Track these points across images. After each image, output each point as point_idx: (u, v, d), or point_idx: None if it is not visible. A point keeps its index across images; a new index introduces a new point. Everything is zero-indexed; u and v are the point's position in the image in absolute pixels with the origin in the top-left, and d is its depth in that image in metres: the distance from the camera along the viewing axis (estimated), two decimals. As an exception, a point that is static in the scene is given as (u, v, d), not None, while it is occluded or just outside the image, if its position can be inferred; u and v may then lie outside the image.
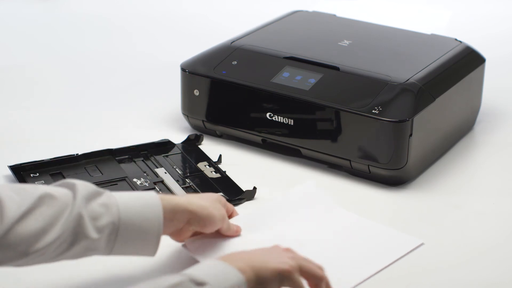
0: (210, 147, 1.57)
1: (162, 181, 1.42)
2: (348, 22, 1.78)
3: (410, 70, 1.51)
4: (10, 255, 1.02)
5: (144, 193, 1.12)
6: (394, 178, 1.46)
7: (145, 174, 1.45)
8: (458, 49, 1.62)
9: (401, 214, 1.40)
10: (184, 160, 1.51)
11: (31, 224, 1.03)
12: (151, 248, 1.11)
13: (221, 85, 1.56)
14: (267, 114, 1.51)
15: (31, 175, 1.42)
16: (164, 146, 1.53)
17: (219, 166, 1.49)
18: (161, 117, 1.69)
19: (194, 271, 1.00)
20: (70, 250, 1.06)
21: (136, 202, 1.10)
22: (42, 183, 1.39)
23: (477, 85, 1.64)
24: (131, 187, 1.40)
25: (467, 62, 1.61)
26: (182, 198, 1.16)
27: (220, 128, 1.59)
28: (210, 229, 1.18)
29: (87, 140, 1.59)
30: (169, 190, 1.40)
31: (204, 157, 1.51)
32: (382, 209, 1.41)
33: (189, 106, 1.61)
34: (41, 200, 1.04)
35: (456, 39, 1.68)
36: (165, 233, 1.15)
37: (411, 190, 1.45)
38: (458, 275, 1.24)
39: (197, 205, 1.16)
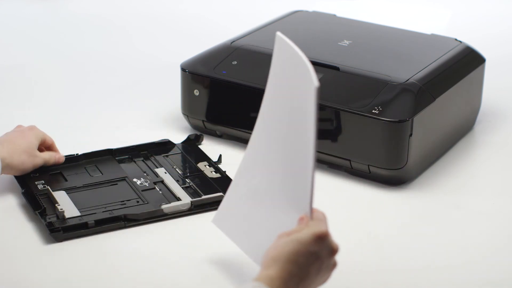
0: (210, 147, 1.57)
1: (162, 181, 1.42)
2: (348, 22, 1.78)
3: (410, 70, 1.51)
4: None
5: None
6: (394, 178, 1.46)
7: (145, 174, 1.44)
8: (458, 49, 1.63)
9: (401, 214, 1.40)
10: (184, 160, 1.50)
11: None
12: None
13: (221, 85, 1.56)
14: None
15: (31, 175, 1.41)
16: (164, 146, 1.53)
17: (219, 166, 1.49)
18: (161, 117, 1.69)
19: None
20: None
21: None
22: (42, 183, 1.39)
23: (477, 85, 1.64)
24: (131, 187, 1.40)
25: (467, 62, 1.61)
26: None
27: (220, 128, 1.59)
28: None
29: (87, 140, 1.59)
30: (169, 190, 1.40)
31: (204, 157, 1.51)
32: (382, 209, 1.41)
33: (189, 106, 1.61)
34: None
35: (456, 39, 1.68)
36: None
37: (411, 190, 1.45)
38: (458, 275, 1.24)
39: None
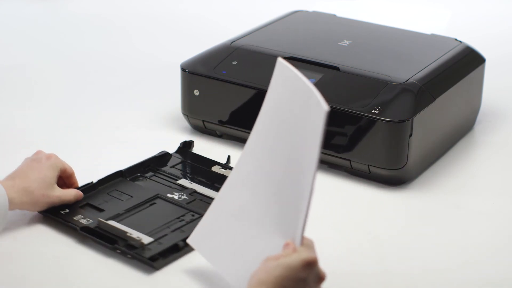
0: (210, 147, 1.57)
1: (195, 191, 1.39)
2: (348, 22, 1.78)
3: (410, 70, 1.51)
4: None
5: None
6: (394, 178, 1.46)
7: (173, 188, 1.40)
8: (458, 49, 1.63)
9: (401, 214, 1.40)
10: (195, 168, 1.48)
11: None
12: None
13: (221, 85, 1.56)
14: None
15: (61, 211, 1.32)
16: (163, 158, 1.49)
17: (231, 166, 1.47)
18: (161, 117, 1.69)
19: None
20: None
21: None
22: (82, 218, 1.31)
23: (477, 85, 1.64)
24: (172, 203, 1.35)
25: (467, 62, 1.61)
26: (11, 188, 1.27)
27: (220, 128, 1.59)
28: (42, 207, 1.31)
29: (87, 141, 1.59)
30: (211, 198, 1.35)
31: (211, 161, 1.48)
32: (382, 209, 1.41)
33: (189, 106, 1.61)
34: None
35: (456, 39, 1.68)
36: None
37: (411, 190, 1.45)
38: (458, 275, 1.24)
39: (20, 195, 1.28)
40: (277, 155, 1.11)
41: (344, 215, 1.38)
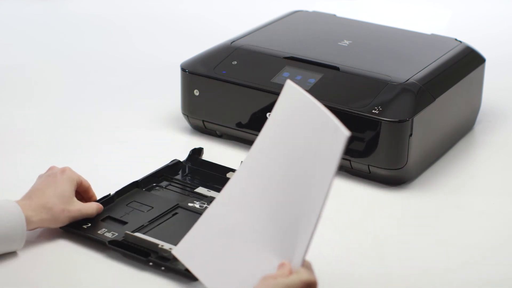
0: (210, 147, 1.57)
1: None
2: (348, 22, 1.78)
3: (410, 70, 1.51)
4: None
5: (2, 202, 1.21)
6: (394, 178, 1.46)
7: (191, 197, 1.38)
8: (458, 49, 1.63)
9: (401, 214, 1.40)
10: (210, 175, 1.46)
11: None
12: (17, 245, 1.22)
13: (221, 85, 1.56)
14: (267, 114, 1.51)
15: (84, 226, 1.28)
16: (175, 166, 1.47)
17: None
18: (161, 117, 1.69)
19: None
20: None
21: None
22: (106, 231, 1.27)
23: (477, 85, 1.64)
24: (195, 212, 1.33)
25: (467, 62, 1.62)
26: (28, 208, 1.23)
27: (220, 128, 1.59)
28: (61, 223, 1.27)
29: (87, 141, 1.59)
30: None
31: (224, 168, 1.47)
32: (382, 209, 1.41)
33: (189, 106, 1.61)
34: None
35: (456, 39, 1.68)
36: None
37: (411, 190, 1.45)
38: (458, 275, 1.24)
39: (39, 212, 1.24)
40: (279, 176, 1.09)
41: (344, 215, 1.38)
